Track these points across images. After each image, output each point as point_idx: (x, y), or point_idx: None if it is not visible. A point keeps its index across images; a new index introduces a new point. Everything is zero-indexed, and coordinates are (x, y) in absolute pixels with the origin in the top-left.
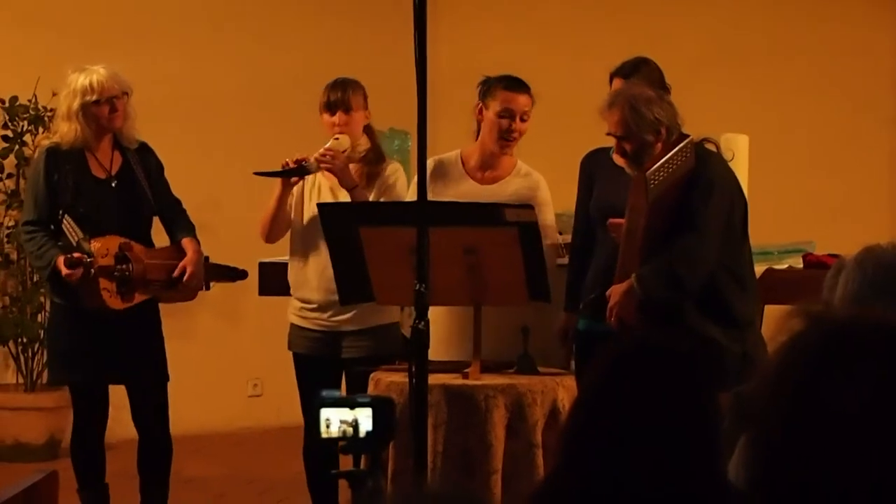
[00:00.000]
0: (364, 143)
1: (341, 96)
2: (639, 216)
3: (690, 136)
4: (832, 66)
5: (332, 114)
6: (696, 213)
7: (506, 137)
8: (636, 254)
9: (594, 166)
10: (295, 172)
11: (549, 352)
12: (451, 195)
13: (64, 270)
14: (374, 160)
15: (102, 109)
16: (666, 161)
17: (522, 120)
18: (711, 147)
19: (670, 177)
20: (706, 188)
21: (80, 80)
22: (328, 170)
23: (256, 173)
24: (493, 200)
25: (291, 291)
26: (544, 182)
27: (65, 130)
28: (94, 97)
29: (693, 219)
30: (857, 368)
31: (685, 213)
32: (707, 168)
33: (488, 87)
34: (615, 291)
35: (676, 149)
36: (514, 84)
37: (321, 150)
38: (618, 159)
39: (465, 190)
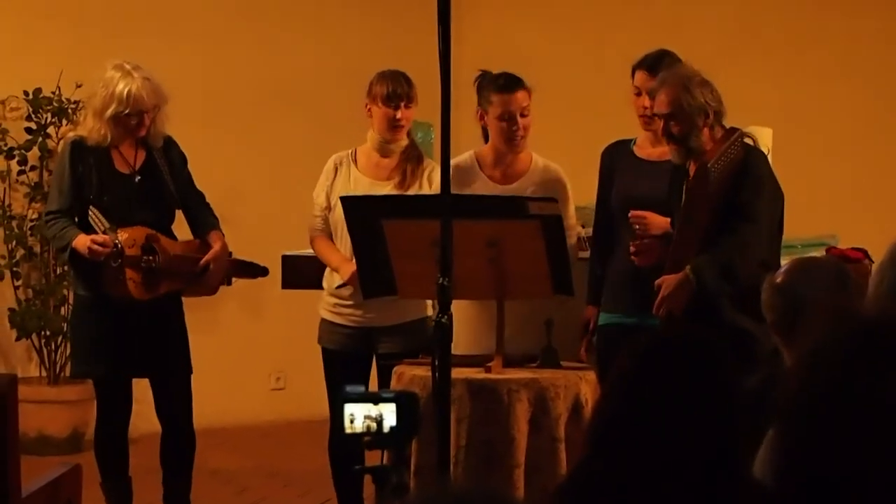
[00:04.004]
0: (406, 139)
1: (407, 90)
2: (699, 208)
3: (739, 130)
4: (856, 57)
5: (395, 107)
6: (751, 206)
7: (511, 137)
8: (692, 244)
9: (615, 158)
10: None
11: (570, 345)
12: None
13: (86, 244)
14: (416, 158)
15: (130, 120)
16: (723, 153)
17: (522, 115)
18: (750, 142)
19: (724, 169)
20: (758, 182)
21: (119, 87)
22: None
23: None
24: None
25: (326, 286)
26: (564, 176)
27: (91, 126)
28: (126, 110)
29: (748, 211)
30: (887, 367)
31: (739, 205)
32: (755, 162)
33: (482, 91)
34: (668, 282)
35: (730, 141)
36: (506, 84)
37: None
38: (643, 149)
39: (485, 192)
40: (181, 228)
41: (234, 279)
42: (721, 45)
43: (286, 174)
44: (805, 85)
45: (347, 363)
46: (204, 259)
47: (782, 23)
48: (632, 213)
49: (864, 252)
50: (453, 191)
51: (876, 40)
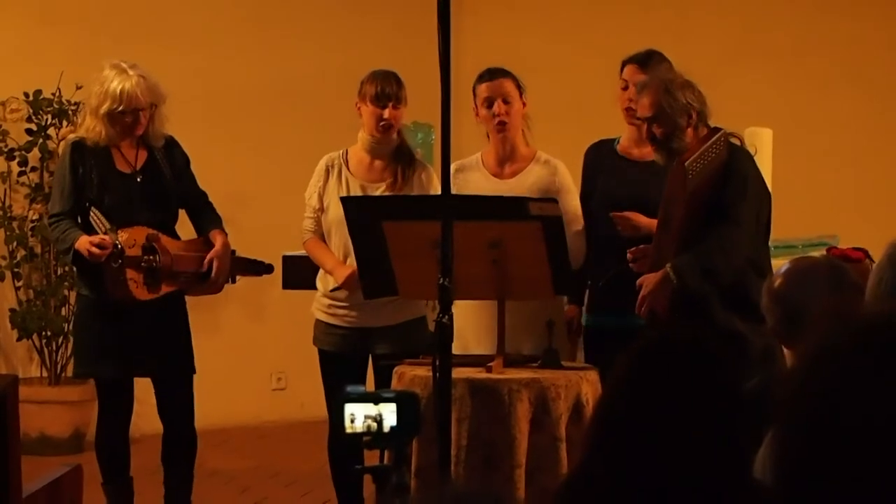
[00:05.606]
0: (396, 140)
1: (396, 90)
2: (676, 207)
3: (723, 129)
4: (856, 61)
5: (383, 107)
6: (733, 206)
7: (494, 122)
8: (671, 244)
9: (598, 158)
10: None
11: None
12: (471, 191)
13: (86, 247)
14: (406, 159)
15: (125, 119)
16: (703, 153)
17: (506, 102)
18: (736, 141)
19: (705, 169)
20: (741, 182)
21: (113, 84)
22: None
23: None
24: (514, 193)
25: (320, 287)
26: (564, 167)
27: (90, 126)
28: (120, 107)
29: (730, 211)
30: (886, 367)
31: (722, 205)
32: (739, 162)
33: (473, 90)
34: (648, 281)
35: (711, 141)
36: (488, 75)
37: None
38: (626, 149)
39: (485, 186)
40: (186, 229)
41: (238, 277)
42: (724, 49)
43: (287, 176)
44: (807, 88)
45: (343, 364)
46: (207, 258)
47: (784, 28)
48: (613, 213)
49: (865, 252)
50: (454, 182)
51: (877, 45)
